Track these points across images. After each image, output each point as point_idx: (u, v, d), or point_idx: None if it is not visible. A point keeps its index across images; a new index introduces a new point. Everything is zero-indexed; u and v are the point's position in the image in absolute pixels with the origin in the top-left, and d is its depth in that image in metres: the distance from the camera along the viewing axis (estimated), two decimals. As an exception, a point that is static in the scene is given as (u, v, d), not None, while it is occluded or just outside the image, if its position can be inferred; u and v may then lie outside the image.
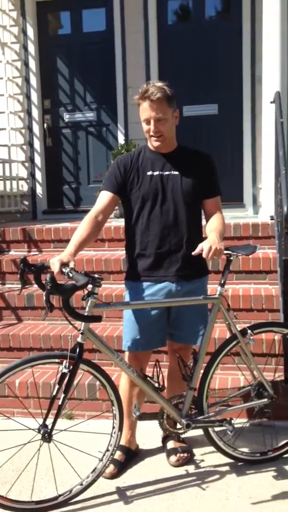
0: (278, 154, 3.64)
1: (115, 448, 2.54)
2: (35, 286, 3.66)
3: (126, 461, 2.76)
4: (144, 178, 2.58)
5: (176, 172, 2.58)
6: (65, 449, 2.60)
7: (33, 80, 5.81)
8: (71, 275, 2.23)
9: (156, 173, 2.58)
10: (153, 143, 2.58)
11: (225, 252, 2.54)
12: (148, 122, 2.52)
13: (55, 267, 2.26)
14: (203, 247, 2.31)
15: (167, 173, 2.58)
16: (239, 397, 2.87)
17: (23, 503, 2.42)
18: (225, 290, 2.58)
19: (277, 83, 4.30)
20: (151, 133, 2.53)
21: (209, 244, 2.31)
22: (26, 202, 5.92)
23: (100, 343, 2.46)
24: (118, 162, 2.64)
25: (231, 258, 2.57)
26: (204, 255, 2.30)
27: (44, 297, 2.23)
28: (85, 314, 2.36)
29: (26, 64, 5.81)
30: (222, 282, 2.56)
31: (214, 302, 2.55)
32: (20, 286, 2.66)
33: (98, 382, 2.53)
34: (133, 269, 2.66)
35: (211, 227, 2.53)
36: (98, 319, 2.35)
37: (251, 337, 2.62)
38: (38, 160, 5.88)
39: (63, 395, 2.38)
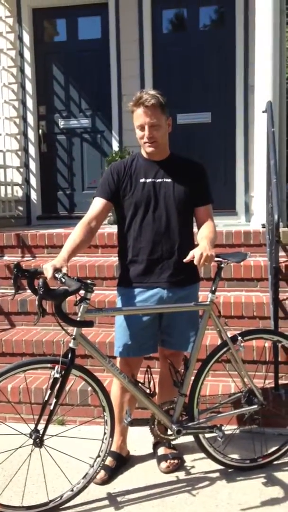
0: (270, 163, 3.68)
1: (106, 454, 2.55)
2: (29, 291, 3.69)
3: (117, 467, 2.77)
4: (137, 185, 2.61)
5: (169, 180, 2.62)
6: (56, 454, 2.61)
7: (29, 86, 5.84)
8: (63, 280, 2.25)
9: (148, 180, 2.62)
10: (146, 149, 2.61)
11: (216, 259, 2.58)
12: (142, 128, 2.55)
13: (48, 272, 2.28)
14: (194, 254, 2.35)
15: (159, 180, 2.62)
16: (230, 404, 2.89)
17: (14, 508, 2.43)
18: (216, 297, 2.61)
19: (269, 93, 4.35)
20: (145, 139, 2.57)
21: (200, 251, 2.35)
22: (20, 208, 5.93)
23: (92, 348, 2.48)
24: (112, 169, 2.67)
25: (222, 265, 2.61)
26: (195, 262, 2.34)
27: (37, 302, 2.24)
28: (78, 319, 2.38)
29: (22, 70, 5.84)
30: (213, 289, 2.59)
31: (205, 308, 2.58)
32: (13, 291, 2.68)
33: (90, 388, 2.54)
34: (125, 275, 2.68)
35: (202, 234, 2.56)
36: (90, 324, 2.37)
37: (242, 344, 2.65)
38: (33, 166, 5.90)
39: (54, 400, 2.39)
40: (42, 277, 2.26)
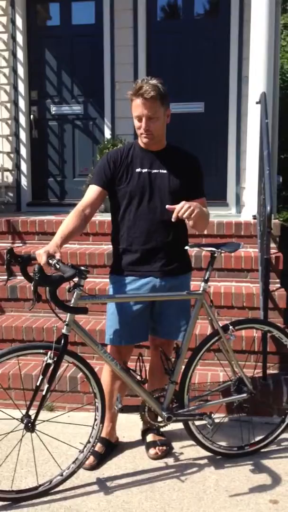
0: (263, 154, 3.69)
1: (96, 440, 2.58)
2: (19, 278, 3.68)
3: (106, 453, 2.80)
4: (133, 175, 2.61)
5: (164, 171, 2.62)
6: (45, 440, 2.62)
7: (21, 71, 5.77)
8: (58, 266, 2.25)
9: (144, 170, 2.61)
10: (142, 140, 2.61)
11: (209, 248, 2.60)
12: (139, 119, 2.54)
13: (41, 258, 2.28)
14: (176, 206, 2.36)
15: (155, 171, 2.62)
16: (219, 392, 2.92)
17: (3, 492, 2.44)
18: (208, 286, 2.63)
19: (263, 83, 4.33)
20: (141, 131, 2.56)
21: (184, 202, 2.36)
22: (10, 194, 5.88)
23: (84, 334, 2.49)
24: (108, 157, 2.66)
25: (215, 254, 2.62)
26: (175, 210, 2.34)
27: (32, 288, 2.25)
28: (71, 305, 2.38)
29: (14, 54, 5.76)
30: (206, 278, 2.60)
31: (197, 297, 2.60)
32: (4, 277, 2.67)
33: (79, 375, 2.56)
34: (118, 263, 2.69)
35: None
36: (84, 310, 2.38)
37: (233, 333, 2.68)
38: (23, 151, 5.84)
39: (46, 386, 2.40)
40: (37, 263, 2.26)
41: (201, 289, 2.59)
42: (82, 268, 2.32)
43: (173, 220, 2.37)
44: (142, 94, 2.46)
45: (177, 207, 2.35)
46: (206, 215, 2.59)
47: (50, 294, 2.23)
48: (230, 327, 2.68)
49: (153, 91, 2.45)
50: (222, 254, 3.78)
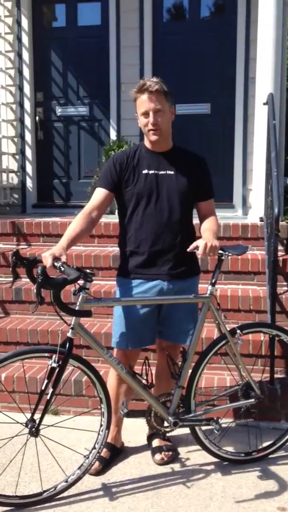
0: (270, 155, 3.65)
1: (102, 446, 2.54)
2: (24, 280, 3.66)
3: (111, 458, 2.76)
4: (140, 177, 2.58)
5: (171, 172, 2.59)
6: (50, 445, 2.59)
7: (26, 72, 5.75)
8: (62, 269, 2.23)
9: (151, 172, 2.58)
10: (150, 137, 2.57)
11: None
12: (146, 114, 2.52)
13: (47, 261, 2.25)
14: (198, 245, 2.36)
15: (162, 172, 2.59)
16: (226, 397, 2.88)
17: (7, 498, 2.41)
18: (215, 289, 2.59)
19: (271, 84, 4.30)
20: (149, 126, 2.53)
21: (205, 241, 2.36)
22: (15, 195, 5.86)
23: (90, 338, 2.46)
24: (114, 159, 2.63)
25: (223, 257, 2.58)
26: (200, 251, 2.35)
27: (35, 290, 2.22)
28: (76, 309, 2.35)
29: (19, 55, 5.75)
30: (213, 281, 2.57)
31: (204, 301, 2.56)
32: (9, 279, 2.65)
33: (85, 379, 2.53)
34: (125, 265, 2.66)
35: (206, 226, 2.58)
36: (88, 314, 2.35)
37: (240, 337, 2.64)
38: (29, 153, 5.82)
39: (51, 390, 2.37)
40: (41, 265, 2.23)
41: (208, 292, 2.56)
42: (88, 271, 2.29)
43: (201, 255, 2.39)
44: (147, 88, 2.47)
45: (200, 251, 2.34)
46: (218, 232, 2.62)
47: (54, 296, 2.20)
48: (238, 331, 2.64)
49: (157, 85, 2.48)
50: (229, 257, 3.73)
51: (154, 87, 2.47)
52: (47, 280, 2.18)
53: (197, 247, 2.38)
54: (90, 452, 2.53)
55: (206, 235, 2.46)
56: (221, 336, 2.65)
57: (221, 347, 2.65)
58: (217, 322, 2.62)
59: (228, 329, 2.63)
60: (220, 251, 2.54)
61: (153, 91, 2.47)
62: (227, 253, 2.57)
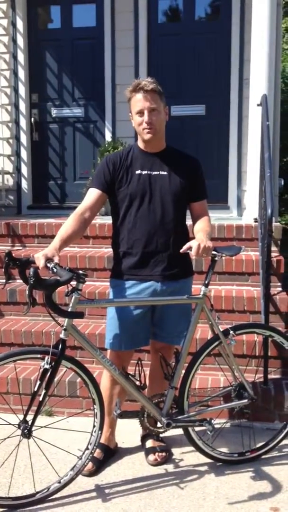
0: (264, 156, 3.66)
1: (95, 447, 2.54)
2: (18, 281, 3.65)
3: (104, 459, 2.76)
4: (133, 177, 2.58)
5: (165, 173, 2.60)
6: (43, 446, 2.59)
7: (21, 74, 5.75)
8: (55, 270, 2.22)
9: (144, 172, 2.59)
10: (144, 136, 2.57)
11: None
12: (141, 113, 2.53)
13: (39, 261, 2.25)
14: (191, 245, 2.37)
15: (155, 173, 2.59)
16: (220, 398, 2.89)
17: (0, 499, 2.40)
18: (208, 290, 2.60)
19: (265, 85, 4.31)
20: (144, 125, 2.53)
21: (198, 242, 2.37)
22: (11, 197, 5.85)
23: (82, 339, 2.46)
24: (107, 160, 2.63)
25: (216, 258, 2.59)
26: (193, 252, 2.36)
27: (27, 292, 2.22)
28: (69, 310, 2.35)
29: (14, 57, 5.75)
30: (206, 282, 2.57)
31: (198, 301, 2.56)
32: (2, 281, 2.65)
33: (78, 380, 2.53)
34: (118, 267, 2.66)
35: (199, 227, 2.58)
36: (80, 315, 2.35)
37: (233, 338, 2.64)
38: (24, 154, 5.82)
39: (44, 391, 2.37)
40: (33, 267, 2.23)
41: (202, 293, 2.56)
42: (81, 272, 2.30)
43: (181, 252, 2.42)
44: (142, 87, 2.49)
45: (194, 252, 2.36)
46: (211, 232, 2.64)
47: (46, 298, 2.21)
48: (231, 331, 2.64)
49: (152, 85, 2.51)
50: (223, 258, 3.74)
51: (150, 86, 2.49)
52: (39, 282, 2.18)
53: (190, 248, 2.38)
54: (83, 453, 2.53)
55: (199, 236, 2.47)
56: (214, 337, 2.65)
57: (214, 347, 2.66)
58: (210, 323, 2.63)
59: (221, 329, 2.63)
60: (213, 252, 2.55)
61: (149, 90, 2.49)
62: (220, 254, 2.57)
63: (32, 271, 2.17)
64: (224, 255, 2.60)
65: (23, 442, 2.45)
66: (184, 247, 2.41)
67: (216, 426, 2.64)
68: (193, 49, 5.50)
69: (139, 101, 2.52)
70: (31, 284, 2.17)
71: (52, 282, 2.17)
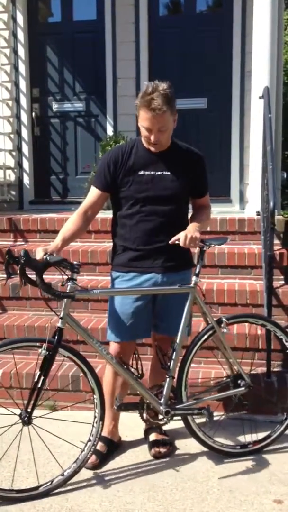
0: (266, 149, 3.65)
1: (97, 439, 2.55)
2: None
3: (108, 452, 2.76)
4: (135, 178, 2.57)
5: (168, 172, 2.58)
6: (47, 439, 2.60)
7: (22, 68, 5.73)
8: (48, 259, 2.34)
9: (147, 172, 2.57)
10: (149, 147, 2.56)
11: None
12: (149, 131, 2.47)
13: (38, 254, 2.35)
14: (179, 237, 2.43)
15: (159, 173, 2.58)
16: (218, 387, 2.88)
17: (4, 491, 2.42)
18: (199, 279, 2.63)
19: (267, 78, 4.29)
20: (151, 141, 2.50)
21: (185, 233, 2.42)
22: (13, 192, 5.85)
23: (79, 328, 2.50)
24: (108, 158, 2.60)
25: (204, 248, 2.63)
26: (181, 243, 2.41)
27: (19, 271, 2.31)
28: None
29: (15, 51, 5.73)
30: (197, 271, 2.61)
31: (189, 291, 2.59)
32: (5, 276, 2.67)
33: (81, 374, 2.54)
34: (119, 259, 2.67)
35: (193, 219, 2.63)
36: (71, 296, 2.41)
37: (227, 326, 2.67)
38: (25, 149, 5.81)
39: (42, 378, 2.40)
40: (25, 248, 2.31)
41: (193, 282, 2.59)
42: (74, 262, 2.39)
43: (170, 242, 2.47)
44: (153, 109, 2.37)
45: (181, 243, 2.41)
46: (207, 224, 2.70)
47: (37, 278, 2.30)
48: (224, 319, 2.67)
49: (165, 105, 2.37)
50: (225, 251, 3.75)
51: (162, 109, 2.36)
52: (29, 261, 2.29)
53: (178, 239, 2.43)
54: (86, 445, 2.54)
55: (189, 227, 2.50)
56: (208, 326, 2.67)
57: (209, 337, 2.68)
58: (203, 311, 2.66)
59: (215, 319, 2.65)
60: (201, 243, 2.56)
61: (160, 113, 2.38)
62: (208, 243, 2.61)
63: (23, 252, 2.28)
64: (213, 245, 2.65)
65: (26, 436, 2.46)
66: (173, 239, 2.45)
67: (218, 418, 2.65)
68: (195, 41, 5.46)
69: (148, 119, 2.42)
70: (22, 263, 2.28)
71: (42, 262, 2.30)
